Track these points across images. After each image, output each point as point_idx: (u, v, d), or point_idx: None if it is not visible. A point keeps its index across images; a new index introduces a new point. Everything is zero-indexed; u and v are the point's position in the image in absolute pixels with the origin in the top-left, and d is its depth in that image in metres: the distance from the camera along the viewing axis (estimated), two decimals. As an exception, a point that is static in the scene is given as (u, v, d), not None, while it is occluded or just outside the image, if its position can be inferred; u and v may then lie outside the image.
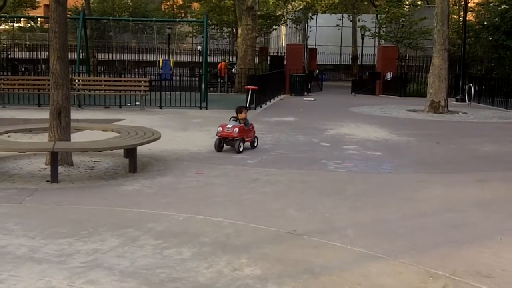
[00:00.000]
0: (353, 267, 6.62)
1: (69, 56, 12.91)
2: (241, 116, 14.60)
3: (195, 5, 69.78)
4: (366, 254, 7.04)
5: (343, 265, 6.67)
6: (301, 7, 53.01)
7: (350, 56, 61.20)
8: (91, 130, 14.46)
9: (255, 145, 14.93)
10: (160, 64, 31.61)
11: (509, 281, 6.34)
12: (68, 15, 14.45)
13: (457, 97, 32.45)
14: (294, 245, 7.33)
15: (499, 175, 12.53)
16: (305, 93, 35.46)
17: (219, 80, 38.64)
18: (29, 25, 73.70)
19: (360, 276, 6.32)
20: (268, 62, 44.25)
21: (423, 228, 8.29)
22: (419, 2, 56.65)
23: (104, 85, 24.71)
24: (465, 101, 31.11)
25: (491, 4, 41.03)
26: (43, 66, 34.84)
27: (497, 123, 23.08)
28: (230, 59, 49.79)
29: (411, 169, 12.90)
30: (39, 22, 69.96)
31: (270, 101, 28.65)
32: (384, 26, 50.91)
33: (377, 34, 51.66)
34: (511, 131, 20.16)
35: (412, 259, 6.85)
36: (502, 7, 37.19)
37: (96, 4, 67.06)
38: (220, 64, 40.73)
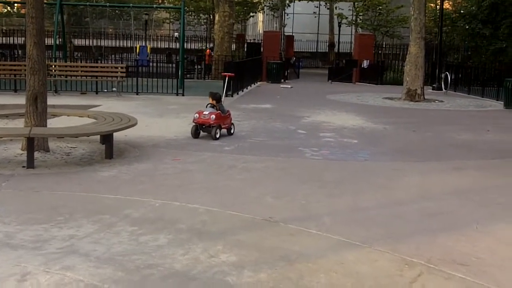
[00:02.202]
0: (329, 254, 6.64)
1: (46, 42, 12.83)
2: (211, 101, 14.59)
3: (173, -9, 69.54)
4: (342, 242, 7.05)
5: (319, 252, 6.68)
6: (278, -6, 53.00)
7: (327, 44, 61.19)
8: (68, 116, 14.38)
9: (232, 132, 14.93)
10: (137, 51, 31.45)
11: (484, 269, 6.38)
12: (45, 1, 14.32)
13: (434, 85, 32.61)
14: (270, 232, 7.34)
15: (475, 163, 12.60)
16: (282, 80, 35.49)
17: (196, 66, 38.52)
18: (5, 10, 73.16)
19: (336, 264, 6.34)
20: (245, 49, 44.27)
21: (400, 216, 8.32)
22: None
23: (81, 71, 24.65)
24: (442, 90, 31.27)
25: (468, -7, 41.23)
26: (20, 51, 34.64)
27: (473, 111, 23.21)
28: (207, 46, 49.69)
29: (388, 157, 12.94)
30: (16, 7, 69.45)
31: (247, 88, 28.65)
32: (361, 14, 51.12)
33: (354, 22, 51.81)
34: (487, 120, 20.28)
35: (388, 247, 6.88)
36: (479, -4, 37.38)
37: (73, -10, 66.64)
38: (207, 50, 40.73)
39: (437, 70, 33.47)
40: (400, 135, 16.13)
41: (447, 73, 31.57)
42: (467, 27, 37.99)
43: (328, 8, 57.70)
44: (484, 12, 35.97)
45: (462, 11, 40.60)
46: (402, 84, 27.65)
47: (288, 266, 6.24)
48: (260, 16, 67.94)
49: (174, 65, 30.50)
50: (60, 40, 29.93)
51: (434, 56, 35.47)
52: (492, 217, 8.48)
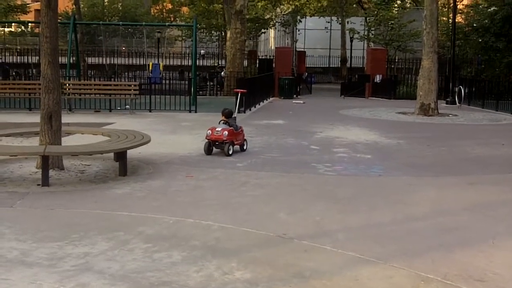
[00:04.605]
0: (344, 271, 6.62)
1: (60, 61, 12.88)
2: (223, 118, 14.59)
3: (184, 9, 69.68)
4: (357, 258, 7.03)
5: (333, 269, 6.66)
6: (289, 10, 53.03)
7: (339, 59, 61.11)
8: (82, 134, 14.45)
9: (245, 148, 14.92)
10: (150, 68, 31.51)
11: (501, 285, 6.34)
12: (59, 20, 14.39)
13: (447, 99, 32.48)
14: (284, 249, 7.32)
15: (490, 177, 12.55)
16: (294, 96, 35.45)
17: (208, 83, 38.57)
18: (20, 30, 73.58)
19: (351, 280, 6.32)
20: (257, 65, 44.30)
21: (415, 231, 8.29)
22: (408, 5, 56.72)
23: (94, 89, 24.77)
24: (455, 103, 31.16)
25: (480, 6, 41.19)
26: (34, 70, 34.73)
27: (487, 125, 23.13)
28: (219, 63, 49.78)
29: (402, 172, 12.90)
30: (30, 26, 69.85)
31: (259, 104, 28.64)
32: (373, 28, 51.02)
33: (366, 37, 51.73)
34: (501, 133, 20.19)
35: (403, 263, 6.85)
36: (491, 9, 37.35)
37: (86, 9, 66.87)
38: None
39: (450, 84, 33.34)
40: (414, 150, 16.08)
41: (461, 87, 31.49)
42: (480, 40, 37.93)
43: (339, 23, 57.73)
44: (497, 25, 35.92)
45: (474, 25, 40.48)
46: (415, 99, 27.54)
47: (302, 283, 6.22)
48: (271, 32, 67.94)
49: (186, 82, 30.57)
50: (74, 58, 30.06)
51: (448, 70, 35.36)
52: (509, 232, 8.43)
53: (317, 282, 6.24)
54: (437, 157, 15.07)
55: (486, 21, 37.64)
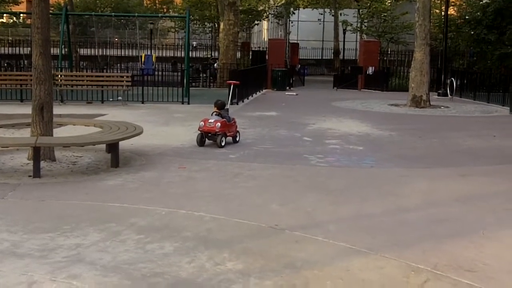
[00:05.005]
0: (335, 261, 6.64)
1: (52, 52, 12.86)
2: (216, 110, 14.59)
3: (177, 0, 69.68)
4: (348, 249, 7.05)
5: (325, 259, 6.68)
6: (282, 2, 53.09)
7: (332, 51, 61.09)
8: (74, 125, 14.44)
9: (237, 139, 14.93)
10: (142, 59, 31.49)
11: (491, 275, 6.37)
12: (51, 11, 14.34)
13: (439, 91, 32.56)
14: (276, 240, 7.34)
15: (481, 169, 12.58)
16: (287, 88, 35.44)
17: (201, 74, 38.54)
18: (11, 20, 73.36)
19: (342, 271, 6.34)
20: (250, 57, 44.30)
21: (406, 222, 8.31)
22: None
23: (87, 80, 24.72)
24: (447, 95, 31.24)
25: (472, -1, 41.24)
26: (26, 61, 34.71)
27: (479, 117, 23.19)
28: (212, 54, 49.74)
29: (394, 164, 12.93)
30: (21, 17, 69.64)
31: (252, 96, 28.65)
32: (366, 20, 51.10)
33: (359, 29, 51.78)
34: (493, 125, 20.24)
35: (394, 253, 6.88)
36: (483, 1, 37.41)
37: (78, 0, 66.77)
38: None
39: (442, 76, 33.44)
40: (406, 142, 16.11)
41: (453, 79, 31.55)
42: (472, 32, 37.97)
43: (332, 15, 57.71)
44: (489, 17, 35.96)
45: (467, 17, 40.56)
46: (407, 91, 27.58)
47: (294, 273, 6.24)
48: (265, 24, 68.00)
49: (179, 73, 30.55)
50: (66, 49, 30.00)
51: (440, 62, 35.40)
52: (499, 223, 8.46)
53: (309, 272, 6.26)
54: (428, 148, 15.10)
55: (478, 13, 37.68)
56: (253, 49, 50.87)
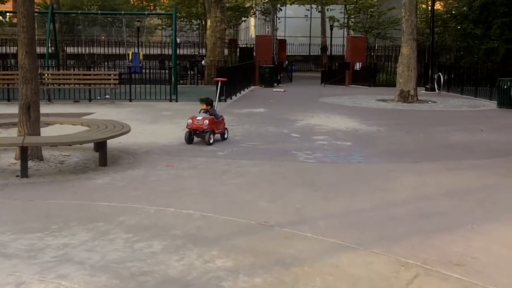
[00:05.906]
0: (325, 257, 6.64)
1: (38, 50, 12.82)
2: (204, 107, 14.58)
3: (164, -3, 69.51)
4: (337, 245, 7.05)
5: (314, 255, 6.68)
6: (269, -2, 53.03)
7: (320, 47, 61.08)
8: (61, 124, 14.38)
9: (226, 137, 14.93)
10: (130, 57, 31.44)
11: (480, 269, 6.38)
12: (37, 9, 14.29)
13: (427, 86, 32.65)
14: (265, 237, 7.34)
15: (469, 163, 12.61)
16: (275, 84, 35.46)
17: (189, 72, 38.48)
18: (-3, 20, 73.08)
19: (332, 267, 6.34)
20: (238, 54, 44.27)
21: (394, 217, 8.33)
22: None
23: (74, 79, 24.59)
24: (435, 90, 31.32)
25: (458, -7, 41.28)
26: (12, 60, 34.53)
27: (466, 111, 23.24)
28: (200, 51, 49.67)
29: (382, 159, 12.95)
30: (7, 16, 69.33)
31: (240, 93, 28.65)
32: (352, 16, 51.09)
33: (345, 25, 51.75)
34: (480, 119, 20.30)
35: (383, 248, 6.88)
36: (470, -4, 37.45)
37: (64, -2, 66.54)
38: None
39: (429, 71, 33.52)
40: (393, 137, 16.13)
41: (440, 73, 31.63)
42: (458, 27, 38.06)
43: (319, 11, 57.67)
44: (475, 12, 36.04)
45: (453, 12, 40.65)
46: (395, 86, 27.64)
47: (283, 270, 6.24)
48: (252, 20, 67.91)
49: (167, 71, 30.50)
50: (53, 48, 29.88)
51: (427, 57, 35.48)
52: (487, 217, 8.49)
53: (298, 269, 6.26)
54: (416, 143, 15.13)
55: (465, 8, 37.78)
56: (240, 46, 50.78)
